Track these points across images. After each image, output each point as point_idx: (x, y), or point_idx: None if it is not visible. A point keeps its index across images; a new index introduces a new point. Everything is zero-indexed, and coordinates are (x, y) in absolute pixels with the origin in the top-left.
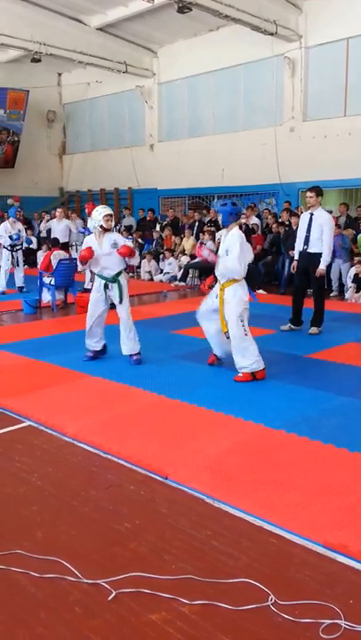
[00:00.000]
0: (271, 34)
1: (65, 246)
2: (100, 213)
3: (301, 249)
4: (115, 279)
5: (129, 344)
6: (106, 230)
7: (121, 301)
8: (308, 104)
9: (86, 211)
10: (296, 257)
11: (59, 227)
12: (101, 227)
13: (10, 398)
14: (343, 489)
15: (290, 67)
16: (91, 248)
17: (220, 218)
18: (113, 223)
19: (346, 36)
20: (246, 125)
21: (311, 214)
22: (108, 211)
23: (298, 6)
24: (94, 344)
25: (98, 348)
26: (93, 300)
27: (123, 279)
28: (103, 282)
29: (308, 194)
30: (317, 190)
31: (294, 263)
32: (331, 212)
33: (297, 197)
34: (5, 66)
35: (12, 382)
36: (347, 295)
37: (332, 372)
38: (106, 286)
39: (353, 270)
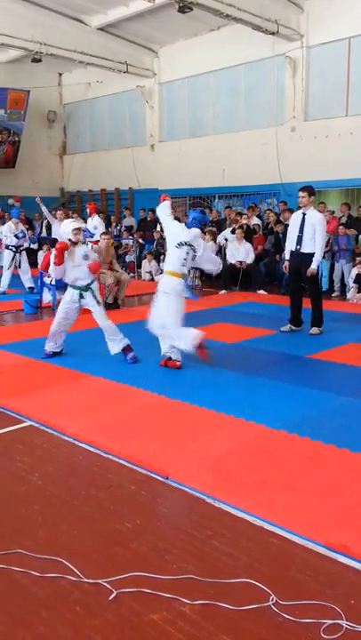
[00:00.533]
0: (272, 33)
1: None
2: (68, 227)
3: (294, 249)
4: (88, 288)
5: (113, 344)
6: (74, 244)
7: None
8: (309, 104)
9: (87, 211)
10: (287, 257)
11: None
12: (70, 240)
13: (10, 398)
14: (344, 489)
15: (291, 66)
16: (65, 243)
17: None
18: (81, 236)
19: (347, 36)
20: (247, 125)
21: (304, 214)
22: (77, 224)
23: (299, 5)
24: (56, 347)
25: (58, 350)
26: (66, 309)
27: (94, 286)
28: (77, 292)
29: (301, 194)
30: (310, 190)
31: (286, 263)
32: (333, 213)
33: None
34: (6, 66)
35: (13, 382)
36: (348, 295)
37: (334, 373)
38: (81, 295)
39: (355, 271)
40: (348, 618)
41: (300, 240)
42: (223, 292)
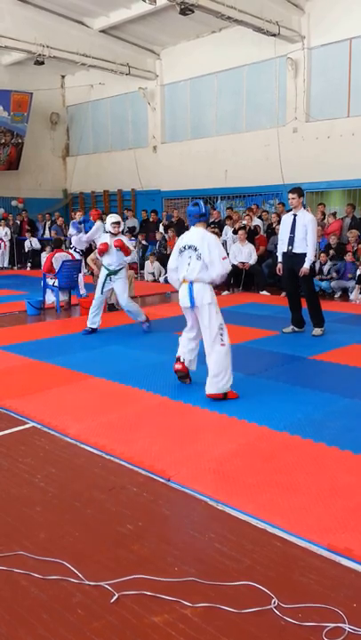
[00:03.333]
0: (274, 35)
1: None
2: (108, 221)
3: (286, 250)
4: (116, 272)
5: (133, 315)
6: (114, 235)
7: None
8: (311, 105)
9: (90, 218)
10: (280, 259)
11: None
12: (110, 232)
13: (13, 399)
14: (347, 491)
15: (293, 67)
16: (107, 243)
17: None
18: (120, 228)
19: (349, 37)
20: (249, 126)
21: (295, 215)
22: (115, 219)
23: (300, 7)
24: (97, 320)
25: (95, 327)
26: (100, 286)
27: (122, 272)
28: (106, 272)
29: (290, 195)
30: (299, 191)
31: (279, 265)
32: (335, 213)
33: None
34: (9, 68)
35: (16, 383)
36: (351, 296)
37: (337, 374)
38: (110, 278)
39: (357, 272)
40: (350, 621)
41: (291, 241)
42: (226, 292)
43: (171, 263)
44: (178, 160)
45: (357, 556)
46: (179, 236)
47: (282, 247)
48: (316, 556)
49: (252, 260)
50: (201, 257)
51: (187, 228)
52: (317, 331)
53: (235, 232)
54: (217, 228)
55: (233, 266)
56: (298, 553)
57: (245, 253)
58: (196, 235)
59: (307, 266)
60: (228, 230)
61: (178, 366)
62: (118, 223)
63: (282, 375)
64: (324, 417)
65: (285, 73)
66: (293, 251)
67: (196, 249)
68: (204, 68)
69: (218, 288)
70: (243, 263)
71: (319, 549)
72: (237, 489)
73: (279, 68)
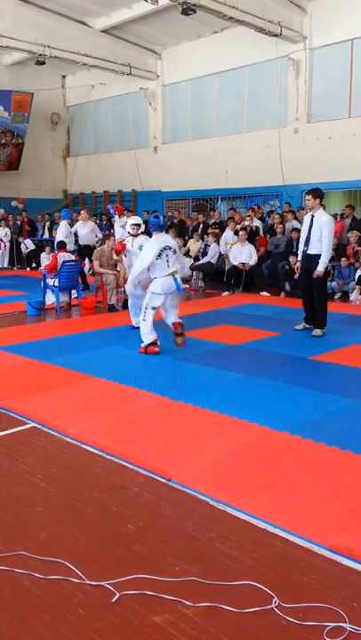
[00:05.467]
0: (275, 35)
1: (89, 249)
2: (129, 222)
3: (303, 250)
4: None
5: (135, 318)
6: (135, 236)
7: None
8: (312, 105)
9: (113, 212)
10: (299, 257)
11: (84, 230)
12: (129, 233)
13: (14, 399)
14: (348, 491)
15: (294, 68)
16: (123, 242)
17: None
18: (140, 230)
19: (350, 37)
20: (250, 127)
21: (312, 216)
22: (136, 221)
23: (302, 7)
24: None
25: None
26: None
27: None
28: None
29: (306, 196)
30: (314, 193)
31: (298, 264)
32: (341, 215)
33: (300, 199)
34: (10, 68)
35: (16, 384)
36: (351, 297)
37: (337, 374)
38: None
39: (358, 272)
40: (351, 620)
41: (307, 241)
42: (226, 293)
43: (146, 264)
44: (178, 160)
45: (358, 555)
46: (180, 236)
47: (301, 247)
48: (317, 555)
49: (253, 260)
50: (176, 253)
51: (183, 229)
52: (318, 332)
53: (236, 233)
54: (217, 229)
55: (233, 266)
56: (298, 553)
57: (246, 254)
58: (167, 238)
59: (321, 268)
60: (227, 233)
61: (157, 349)
62: (139, 225)
63: (282, 375)
64: (325, 417)
65: (287, 73)
66: (308, 251)
67: (172, 248)
68: (206, 68)
69: (218, 289)
70: (243, 264)
71: (320, 549)
72: (238, 489)
73: (280, 69)
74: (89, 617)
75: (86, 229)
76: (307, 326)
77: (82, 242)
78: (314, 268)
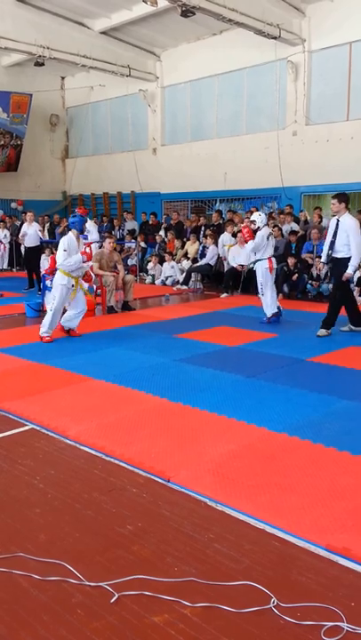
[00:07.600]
0: (274, 38)
1: (37, 250)
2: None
3: (326, 253)
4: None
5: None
6: None
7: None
8: (311, 108)
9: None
10: (323, 260)
11: (29, 230)
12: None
13: (12, 401)
14: (345, 492)
15: (293, 71)
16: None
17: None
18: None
19: (349, 40)
20: (249, 129)
21: (338, 220)
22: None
23: (301, 10)
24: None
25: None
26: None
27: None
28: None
29: (332, 201)
30: (340, 197)
31: (320, 265)
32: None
33: (299, 201)
34: (9, 69)
35: (15, 385)
36: None
37: (335, 376)
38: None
39: (358, 274)
40: (348, 620)
41: (332, 245)
42: (224, 295)
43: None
44: (178, 162)
45: (356, 555)
46: (178, 238)
47: (325, 250)
48: (315, 555)
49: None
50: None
51: (181, 231)
52: (323, 332)
53: (235, 235)
54: (214, 230)
55: (232, 268)
56: (297, 553)
57: (244, 256)
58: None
59: (350, 271)
60: (224, 235)
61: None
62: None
63: (281, 377)
64: (323, 418)
65: (286, 76)
66: (334, 255)
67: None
68: (205, 70)
69: (217, 290)
70: (241, 266)
71: (318, 549)
72: (237, 490)
73: (279, 71)
74: (88, 617)
75: (31, 230)
76: (353, 328)
77: (27, 244)
78: (337, 271)
